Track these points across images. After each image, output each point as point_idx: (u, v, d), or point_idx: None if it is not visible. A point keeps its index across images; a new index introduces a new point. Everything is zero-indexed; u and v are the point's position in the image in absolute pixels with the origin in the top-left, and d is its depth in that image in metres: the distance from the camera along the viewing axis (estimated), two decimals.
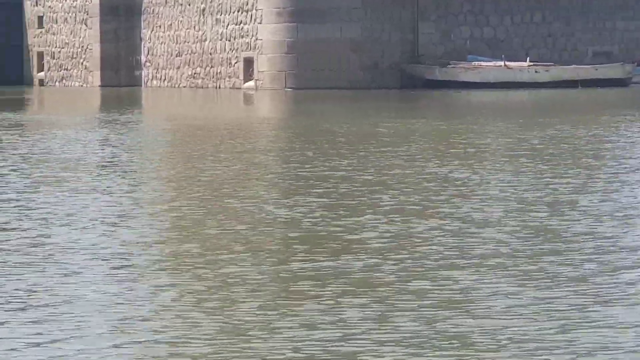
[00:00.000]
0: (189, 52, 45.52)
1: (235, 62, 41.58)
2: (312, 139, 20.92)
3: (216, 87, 43.18)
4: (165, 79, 46.58)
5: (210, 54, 44.13)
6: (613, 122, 23.30)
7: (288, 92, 39.31)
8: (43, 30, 52.75)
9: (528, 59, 38.54)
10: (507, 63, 38.25)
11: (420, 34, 39.32)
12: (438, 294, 6.71)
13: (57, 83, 51.18)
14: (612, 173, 14.12)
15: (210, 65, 43.09)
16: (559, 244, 8.61)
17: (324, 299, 6.59)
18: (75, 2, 49.78)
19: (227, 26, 41.95)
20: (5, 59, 52.11)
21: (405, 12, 39.24)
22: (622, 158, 16.10)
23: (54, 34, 52.37)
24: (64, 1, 51.00)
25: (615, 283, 6.92)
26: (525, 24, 41.58)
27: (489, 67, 38.89)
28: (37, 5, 52.53)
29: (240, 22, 41.51)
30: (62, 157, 18.43)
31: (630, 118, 24.40)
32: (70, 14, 50.34)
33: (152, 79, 47.34)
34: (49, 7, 51.63)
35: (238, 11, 41.38)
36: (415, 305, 5.96)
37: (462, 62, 39.19)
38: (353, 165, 15.51)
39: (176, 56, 45.23)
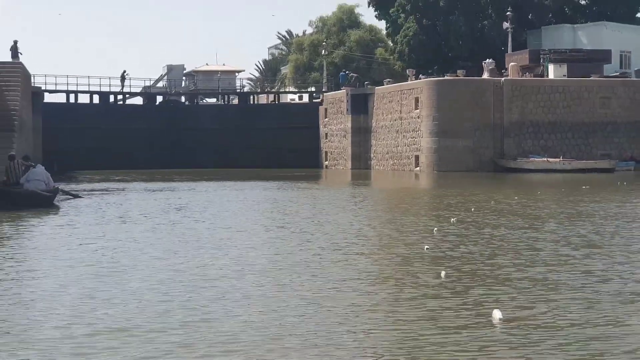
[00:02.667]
0: (391, 152, 58.36)
1: (411, 157, 55.40)
2: (468, 199, 27.63)
3: (402, 170, 55.67)
4: (381, 166, 59.31)
5: (400, 153, 56.97)
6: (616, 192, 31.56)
7: (435, 173, 50.99)
8: (327, 140, 66.00)
9: (561, 156, 50.89)
10: (548, 159, 50.33)
11: (505, 144, 52.21)
12: None
13: (332, 167, 64.65)
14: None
15: (400, 159, 56.87)
16: None
17: None
18: (341, 126, 63.14)
19: (407, 138, 55.66)
20: (311, 154, 66.27)
21: (497, 132, 52.32)
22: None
23: (331, 142, 65.65)
24: (336, 125, 64.36)
25: None
26: (560, 139, 53.30)
27: (539, 161, 50.32)
28: (324, 127, 66.11)
29: (414, 137, 54.94)
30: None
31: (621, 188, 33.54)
32: (338, 132, 64.13)
33: (375, 166, 60.19)
34: (330, 128, 65.42)
35: (413, 131, 54.90)
36: None
37: (525, 158, 50.96)
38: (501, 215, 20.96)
39: (385, 153, 59.08)
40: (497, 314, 9.55)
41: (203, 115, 68.03)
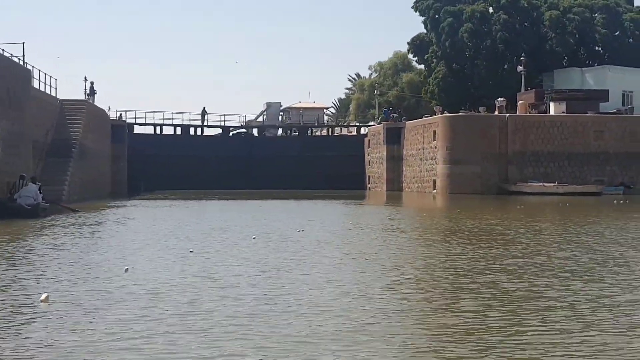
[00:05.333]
0: (416, 176, 60.17)
1: (430, 181, 57.19)
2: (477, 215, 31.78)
3: (423, 192, 57.21)
4: (410, 189, 60.90)
5: (422, 177, 58.68)
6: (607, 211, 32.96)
7: (449, 194, 51.85)
8: (369, 167, 68.01)
9: (556, 182, 51.56)
10: (544, 184, 51.22)
11: (509, 170, 53.21)
12: None
13: (373, 189, 66.58)
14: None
15: (422, 182, 58.45)
16: None
17: None
18: (379, 155, 64.87)
19: (427, 165, 57.22)
20: (358, 178, 67.74)
21: (502, 160, 53.23)
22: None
23: (372, 168, 67.69)
24: (376, 154, 66.09)
25: None
26: (558, 167, 53.93)
27: (536, 185, 51.27)
28: (368, 156, 68.08)
29: (432, 164, 56.59)
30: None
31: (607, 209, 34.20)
32: (377, 160, 66.09)
33: (406, 188, 61.86)
34: (372, 156, 67.31)
35: (431, 159, 56.51)
36: None
37: (525, 183, 52.01)
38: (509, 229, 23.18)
39: (412, 177, 60.73)
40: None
41: (268, 145, 71.35)
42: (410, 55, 71.94)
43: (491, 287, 11.76)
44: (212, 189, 61.12)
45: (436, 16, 65.05)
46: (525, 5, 62.89)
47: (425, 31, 68.13)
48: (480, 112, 58.68)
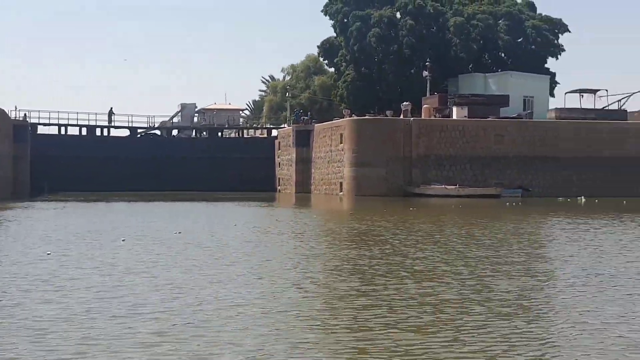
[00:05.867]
0: (324, 179, 60.03)
1: (337, 183, 57.21)
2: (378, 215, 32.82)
3: (331, 194, 57.30)
4: (318, 191, 60.94)
5: (330, 180, 58.54)
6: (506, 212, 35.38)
7: (355, 197, 52.12)
8: (279, 169, 67.56)
9: (457, 184, 52.07)
10: (446, 186, 51.81)
11: (413, 173, 53.58)
12: None
13: (283, 191, 66.20)
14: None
15: (330, 185, 58.38)
16: None
17: None
18: (289, 157, 64.60)
19: (335, 167, 57.23)
20: (268, 181, 67.56)
21: (406, 163, 53.48)
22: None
23: (282, 170, 67.47)
24: (285, 156, 65.55)
25: None
26: (460, 170, 54.44)
27: (438, 188, 51.82)
28: (278, 158, 67.61)
29: (339, 167, 56.63)
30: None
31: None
32: (287, 162, 65.61)
33: (314, 190, 61.59)
34: (282, 159, 67.07)
35: (338, 162, 56.58)
36: None
37: (427, 185, 52.56)
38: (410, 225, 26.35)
39: (320, 180, 60.53)
40: None
41: (178, 146, 70.90)
42: (321, 59, 72.18)
43: (325, 286, 11.90)
44: (119, 190, 60.43)
45: (345, 20, 65.58)
46: (431, 11, 63.95)
47: (334, 35, 68.48)
48: (387, 116, 59.02)
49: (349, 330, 8.74)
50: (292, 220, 29.54)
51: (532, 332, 8.69)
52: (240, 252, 16.90)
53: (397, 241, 19.83)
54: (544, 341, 8.21)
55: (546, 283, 12.71)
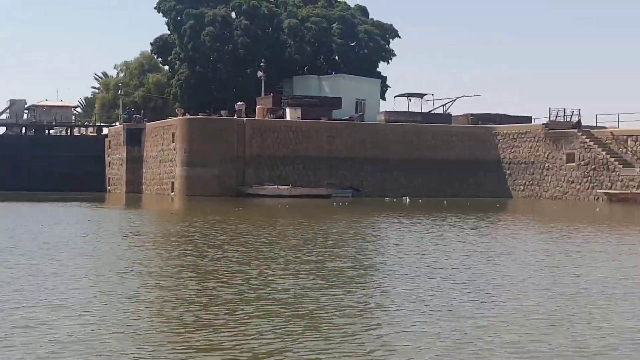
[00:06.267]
0: (156, 178, 59.08)
1: (168, 183, 56.50)
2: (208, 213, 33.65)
3: (162, 194, 56.31)
4: (149, 191, 59.33)
5: (161, 179, 57.92)
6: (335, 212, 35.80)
7: (186, 197, 51.50)
8: (110, 168, 65.83)
9: (290, 184, 52.43)
10: (278, 186, 51.98)
11: (246, 173, 53.55)
12: None
13: (113, 191, 63.98)
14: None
15: (161, 184, 57.40)
16: None
17: None
18: (119, 156, 63.23)
19: (167, 167, 56.58)
20: (98, 180, 65.83)
21: (240, 163, 53.45)
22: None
23: (112, 170, 65.75)
24: (116, 155, 64.11)
25: None
26: (293, 170, 55.06)
27: (271, 188, 51.91)
28: (108, 157, 66.15)
29: (171, 166, 55.85)
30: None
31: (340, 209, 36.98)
32: (117, 161, 64.15)
33: (145, 190, 60.09)
34: (112, 157, 65.26)
35: (170, 161, 55.86)
36: None
37: (260, 185, 52.58)
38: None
39: (152, 179, 59.21)
40: None
41: (3, 145, 67.65)
42: (154, 56, 70.79)
43: (95, 287, 11.48)
44: None
45: (178, 18, 64.60)
46: (266, 12, 64.12)
47: (168, 32, 67.34)
48: (222, 116, 58.66)
49: (114, 331, 8.41)
50: (106, 220, 28.64)
51: (293, 330, 8.67)
52: (25, 255, 16.06)
53: (205, 242, 19.56)
54: (292, 339, 8.19)
55: (332, 281, 12.78)
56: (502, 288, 12.13)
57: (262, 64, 62.66)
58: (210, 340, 8.24)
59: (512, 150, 58.53)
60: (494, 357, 7.66)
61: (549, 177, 56.03)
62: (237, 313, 9.80)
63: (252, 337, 8.38)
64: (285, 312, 9.95)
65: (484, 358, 7.63)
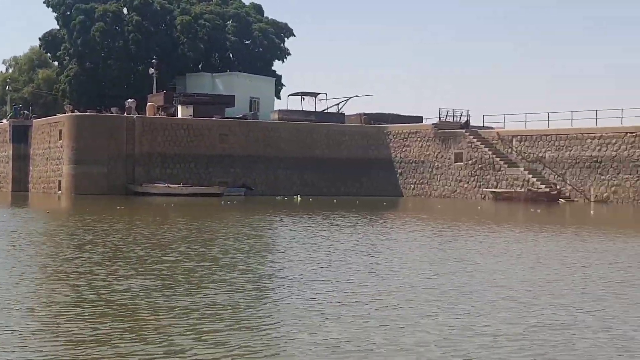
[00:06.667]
0: (43, 176, 57.08)
1: (56, 181, 55.28)
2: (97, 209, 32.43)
3: (49, 193, 55.40)
4: (36, 189, 57.84)
5: (49, 178, 56.45)
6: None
7: (74, 195, 50.46)
8: None
9: (182, 183, 51.61)
10: (169, 185, 51.33)
11: (136, 171, 52.69)
12: None
13: (1, 189, 61.69)
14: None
15: (48, 183, 56.19)
16: None
17: None
18: (5, 153, 61.25)
19: (54, 165, 55.26)
20: None
21: (129, 161, 52.71)
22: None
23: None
24: (1, 152, 62.01)
25: None
26: (185, 168, 54.20)
27: (161, 186, 51.19)
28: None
29: (57, 164, 54.75)
30: None
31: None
32: (2, 159, 62.08)
33: (32, 189, 58.51)
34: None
35: (57, 159, 54.46)
36: None
37: (151, 184, 51.67)
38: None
39: (39, 177, 57.76)
40: None
41: None
42: (44, 51, 68.78)
43: None
44: None
45: (68, 13, 62.93)
46: (158, 8, 63.12)
47: (58, 27, 65.50)
48: (112, 112, 57.53)
49: None
50: None
51: (113, 333, 8.41)
52: None
53: (68, 242, 19.00)
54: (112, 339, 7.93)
55: (179, 281, 12.54)
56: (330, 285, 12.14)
57: (153, 60, 61.70)
58: (24, 344, 7.89)
59: (403, 150, 59.46)
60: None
61: (438, 176, 57.17)
62: (64, 315, 9.47)
63: (63, 340, 8.09)
64: (113, 313, 9.67)
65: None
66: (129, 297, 10.87)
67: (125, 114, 56.69)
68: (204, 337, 8.29)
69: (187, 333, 8.54)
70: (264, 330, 8.78)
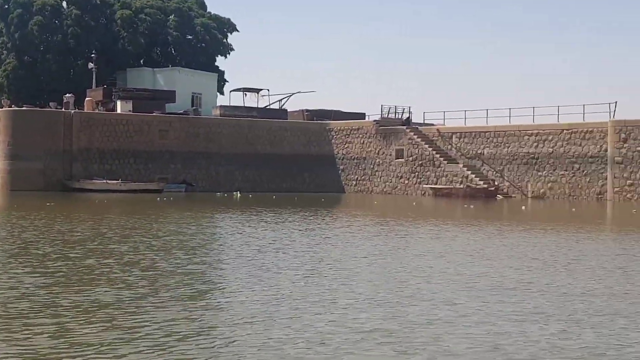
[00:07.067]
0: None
1: None
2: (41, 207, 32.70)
3: None
4: None
5: None
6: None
7: (12, 192, 49.53)
8: None
9: (120, 179, 51.36)
10: (107, 181, 50.99)
11: (73, 167, 52.12)
12: None
13: None
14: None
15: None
16: None
17: None
18: None
19: None
20: None
21: (67, 157, 52.02)
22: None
23: None
24: None
25: None
26: (124, 165, 53.75)
27: (99, 182, 50.88)
28: None
29: None
30: None
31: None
32: None
33: None
34: None
35: None
36: None
37: (89, 180, 51.27)
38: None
39: None
40: None
41: None
42: None
43: None
44: None
45: (6, 6, 61.69)
46: (98, 2, 62.21)
47: None
48: (50, 107, 56.63)
49: None
50: None
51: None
52: None
53: None
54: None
55: (72, 279, 12.20)
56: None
57: (93, 54, 60.85)
58: None
59: (345, 146, 59.57)
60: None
61: (380, 173, 57.41)
62: None
63: None
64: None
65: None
66: (14, 296, 10.50)
67: (63, 109, 55.76)
68: (66, 336, 7.99)
69: (53, 331, 8.23)
70: (136, 329, 8.51)
